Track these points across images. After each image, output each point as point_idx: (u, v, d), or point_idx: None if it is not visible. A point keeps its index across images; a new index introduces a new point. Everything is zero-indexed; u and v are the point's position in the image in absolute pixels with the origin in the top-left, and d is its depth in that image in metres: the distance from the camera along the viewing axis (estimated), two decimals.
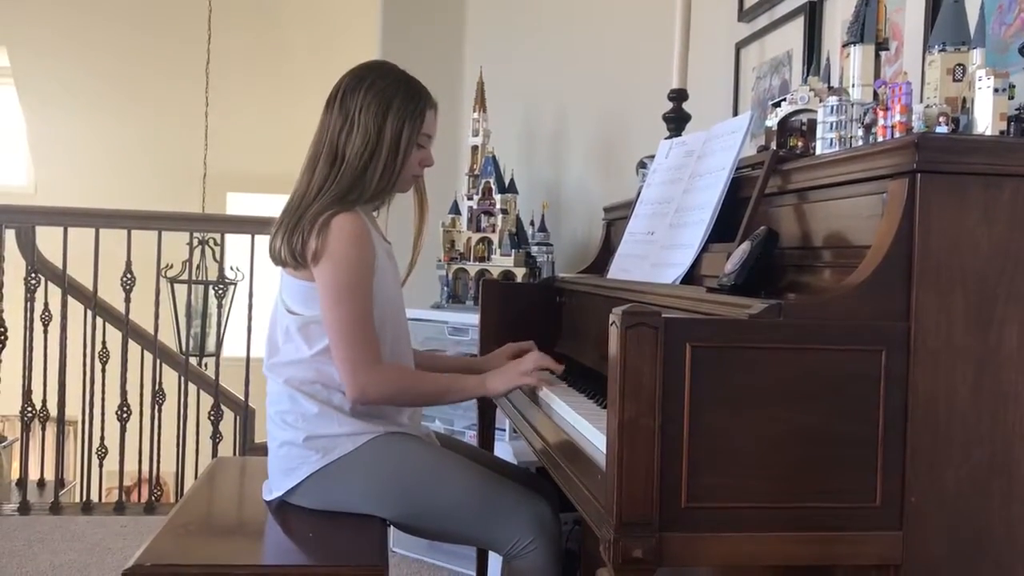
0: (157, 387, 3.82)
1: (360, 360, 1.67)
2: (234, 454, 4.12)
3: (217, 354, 4.26)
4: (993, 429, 1.14)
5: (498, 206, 3.24)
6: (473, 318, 2.83)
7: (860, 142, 1.35)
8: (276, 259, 1.77)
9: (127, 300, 3.72)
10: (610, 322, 1.10)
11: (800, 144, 1.55)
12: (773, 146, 1.57)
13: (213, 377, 3.99)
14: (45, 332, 3.70)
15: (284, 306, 1.78)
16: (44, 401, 3.83)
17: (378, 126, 1.74)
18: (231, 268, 4.11)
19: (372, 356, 1.69)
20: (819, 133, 1.41)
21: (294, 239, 1.70)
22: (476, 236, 3.28)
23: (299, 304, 1.75)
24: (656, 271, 1.74)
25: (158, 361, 3.89)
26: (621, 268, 1.98)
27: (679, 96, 2.32)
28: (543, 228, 3.25)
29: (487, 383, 1.80)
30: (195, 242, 4.15)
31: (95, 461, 3.86)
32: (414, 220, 1.94)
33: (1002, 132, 1.20)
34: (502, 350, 2.03)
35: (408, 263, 1.93)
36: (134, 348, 3.88)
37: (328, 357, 1.72)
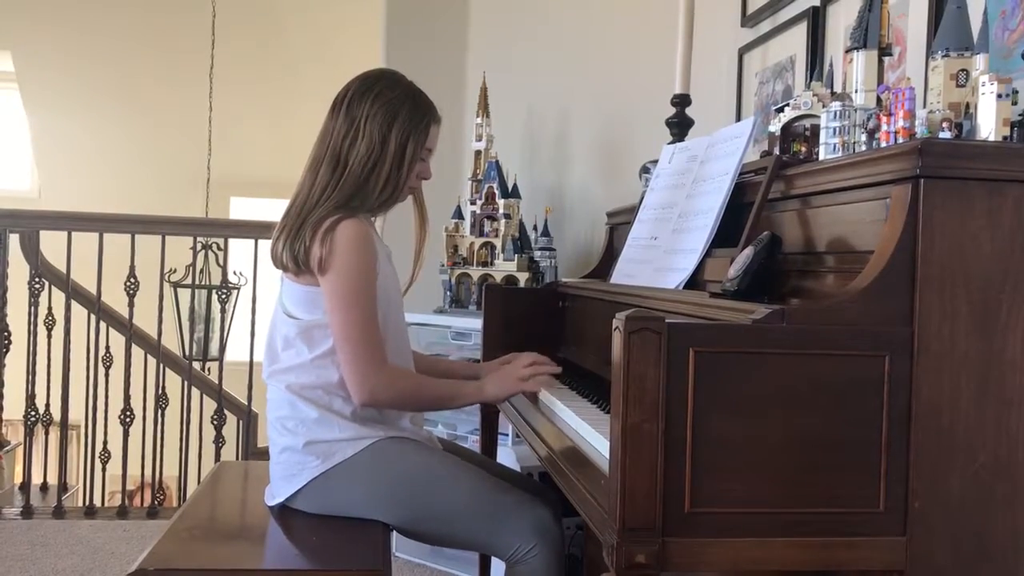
0: (160, 391, 3.83)
1: (369, 363, 1.68)
2: (237, 458, 4.12)
3: (220, 358, 4.26)
4: (997, 434, 1.14)
5: (501, 211, 3.24)
6: (476, 323, 2.83)
7: (863, 147, 1.35)
8: (277, 263, 1.78)
9: (130, 304, 3.72)
10: (613, 327, 1.11)
11: (803, 149, 1.55)
12: (776, 151, 1.57)
13: (216, 381, 3.99)
14: (49, 336, 3.71)
15: (284, 311, 1.78)
16: (47, 405, 3.83)
17: (383, 136, 1.75)
18: (234, 272, 4.12)
19: (380, 359, 1.70)
20: (822, 138, 1.41)
21: (296, 245, 1.70)
22: (479, 241, 3.28)
23: (300, 308, 1.75)
24: (659, 276, 1.74)
25: (161, 365, 3.90)
26: (624, 273, 1.98)
27: (682, 101, 2.31)
28: (546, 233, 3.25)
29: (484, 389, 1.82)
30: (198, 246, 4.15)
31: (98, 465, 3.86)
32: (415, 233, 1.95)
33: (1005, 137, 1.20)
34: (500, 360, 2.03)
35: (409, 276, 1.94)
36: (137, 352, 3.88)
37: (329, 360, 1.72)
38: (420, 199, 1.93)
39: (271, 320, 1.84)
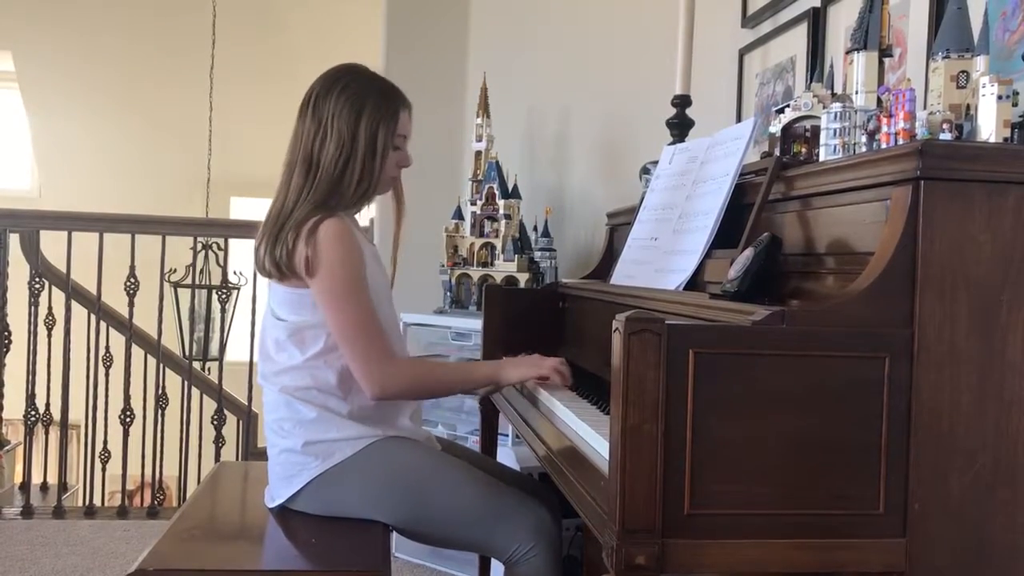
0: (160, 391, 3.82)
1: (374, 356, 1.68)
2: (237, 458, 4.12)
3: (220, 358, 4.27)
4: (997, 436, 1.14)
5: (501, 211, 3.24)
6: (476, 323, 2.83)
7: (864, 149, 1.35)
8: (261, 269, 1.77)
9: (131, 304, 3.73)
10: (613, 328, 1.10)
11: (803, 150, 1.55)
12: (776, 152, 1.57)
13: (216, 381, 3.99)
14: (49, 336, 3.71)
15: (273, 314, 1.78)
16: (47, 405, 3.83)
17: (351, 131, 1.74)
18: (234, 272, 4.12)
19: (385, 351, 1.69)
20: (822, 139, 1.41)
21: (278, 249, 1.70)
22: (479, 241, 3.28)
23: (288, 311, 1.75)
24: (659, 277, 1.74)
25: (161, 365, 3.90)
26: (624, 274, 1.98)
27: (682, 102, 2.31)
28: (546, 233, 3.25)
29: (501, 372, 1.80)
30: (198, 246, 4.15)
31: (98, 465, 3.86)
32: (392, 223, 1.94)
33: (1006, 139, 1.20)
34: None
35: (391, 268, 1.93)
36: (137, 352, 3.88)
37: (322, 361, 1.72)
38: (399, 189, 1.91)
39: (262, 323, 1.84)
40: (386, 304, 1.82)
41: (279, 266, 1.70)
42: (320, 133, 1.74)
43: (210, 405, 3.95)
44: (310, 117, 1.76)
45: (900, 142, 1.23)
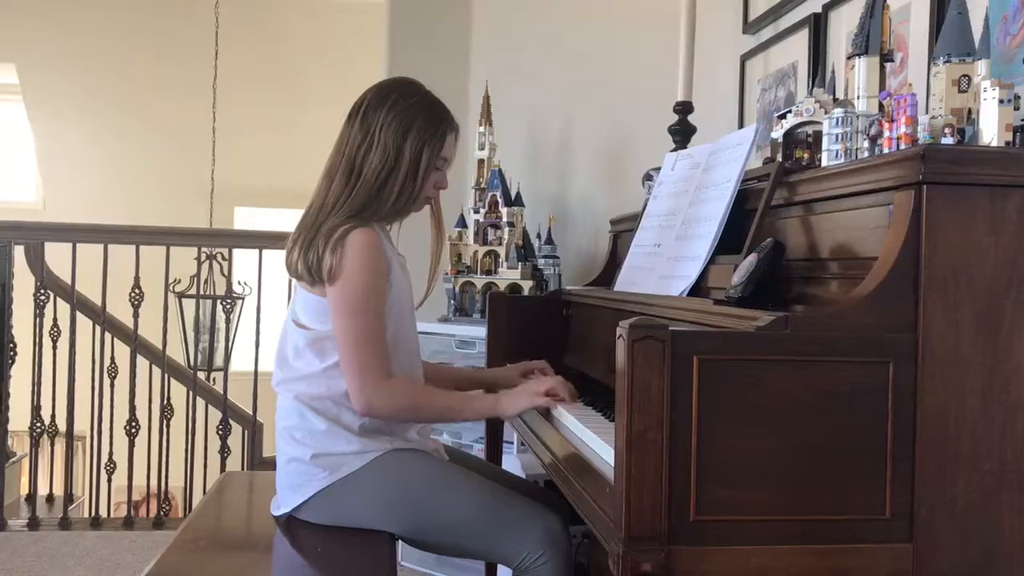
0: (165, 402, 3.83)
1: (370, 374, 1.67)
2: (242, 469, 4.12)
3: (225, 368, 4.26)
4: (1002, 440, 1.14)
5: (504, 219, 3.24)
6: (480, 331, 2.83)
7: (866, 154, 1.35)
8: (293, 273, 1.78)
9: (135, 315, 3.73)
10: (617, 335, 1.11)
11: (806, 156, 1.55)
12: (779, 158, 1.57)
13: (221, 392, 3.99)
14: (54, 348, 3.71)
15: (296, 320, 1.78)
16: (53, 416, 3.83)
17: (397, 146, 1.74)
18: (239, 283, 4.12)
19: (382, 370, 1.69)
20: (825, 145, 1.41)
21: (310, 254, 1.70)
22: (483, 249, 3.29)
23: (312, 319, 1.75)
24: (663, 283, 1.74)
25: (166, 376, 3.90)
26: (628, 280, 1.98)
27: (684, 108, 2.32)
28: (550, 241, 3.25)
29: (500, 405, 1.78)
30: (203, 257, 4.16)
31: (104, 476, 3.86)
32: (431, 245, 1.93)
33: (1008, 143, 1.20)
34: (515, 367, 2.01)
35: (425, 289, 1.92)
36: (142, 363, 3.88)
37: (339, 371, 1.72)
38: (437, 209, 1.90)
39: (282, 329, 1.83)
40: (408, 318, 1.82)
41: (310, 271, 1.71)
42: (366, 142, 1.75)
43: (215, 415, 3.94)
44: (358, 125, 1.76)
45: (902, 147, 1.23)
